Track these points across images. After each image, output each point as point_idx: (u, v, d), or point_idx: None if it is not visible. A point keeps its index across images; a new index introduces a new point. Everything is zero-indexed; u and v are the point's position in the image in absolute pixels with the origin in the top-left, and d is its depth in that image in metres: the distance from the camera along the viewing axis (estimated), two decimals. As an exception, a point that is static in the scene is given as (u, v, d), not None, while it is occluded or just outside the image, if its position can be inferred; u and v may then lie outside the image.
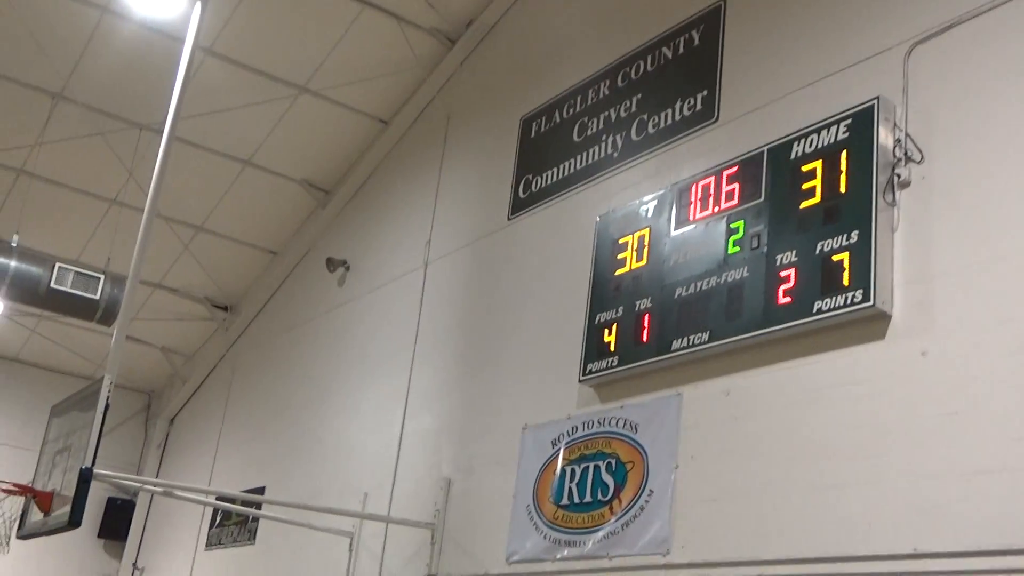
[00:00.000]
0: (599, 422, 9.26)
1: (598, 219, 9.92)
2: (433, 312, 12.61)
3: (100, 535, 18.87)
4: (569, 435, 9.52)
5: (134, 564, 18.76)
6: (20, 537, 11.71)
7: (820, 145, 7.75)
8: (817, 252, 7.46)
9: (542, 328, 10.57)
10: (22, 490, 11.36)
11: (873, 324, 7.12)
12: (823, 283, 7.34)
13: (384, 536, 11.89)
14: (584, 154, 10.84)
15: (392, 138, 14.85)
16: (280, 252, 17.01)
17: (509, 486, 10.06)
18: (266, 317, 17.23)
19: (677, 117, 9.77)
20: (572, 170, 10.95)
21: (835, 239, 7.35)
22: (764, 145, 8.29)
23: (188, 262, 16.83)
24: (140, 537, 18.89)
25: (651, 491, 8.43)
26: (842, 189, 7.48)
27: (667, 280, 8.81)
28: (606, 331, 9.29)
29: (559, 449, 9.58)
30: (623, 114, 10.50)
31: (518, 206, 11.65)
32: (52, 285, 13.77)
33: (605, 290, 9.51)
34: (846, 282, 7.16)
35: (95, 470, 9.85)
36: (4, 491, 11.74)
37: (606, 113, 10.74)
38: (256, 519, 14.85)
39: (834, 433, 7.19)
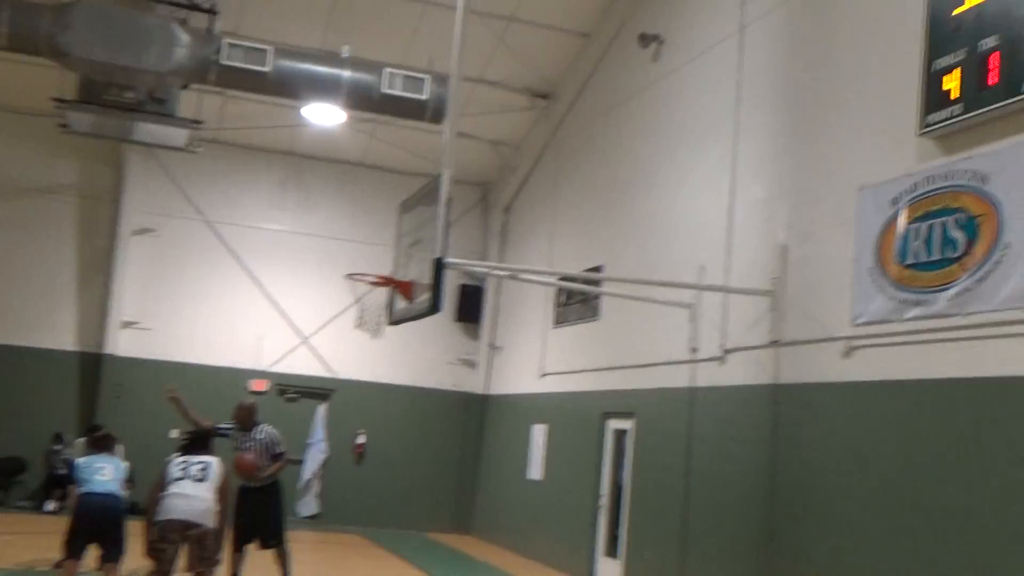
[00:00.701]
0: (943, 176, 8.77)
1: (932, -45, 9.08)
2: (753, 77, 12.21)
3: (457, 319, 20.41)
4: (910, 192, 9.10)
5: (490, 344, 20.24)
6: (390, 324, 12.90)
7: None
8: None
9: (872, 82, 9.99)
10: (386, 282, 12.42)
11: None
12: None
13: (723, 306, 12.07)
14: None
15: None
16: (592, 33, 16.94)
17: (848, 249, 9.84)
18: (585, 101, 17.39)
19: None
20: (898, -96, 10.01)
21: None
22: None
23: (504, 54, 17.15)
24: (493, 319, 20.28)
25: (1008, 244, 7.97)
26: None
27: (1018, 12, 8.00)
28: (946, 78, 8.66)
29: (900, 208, 9.20)
30: None
31: (839, -48, 10.85)
32: (383, 90, 14.50)
33: (943, 32, 8.80)
34: None
35: (446, 259, 10.62)
36: (371, 284, 12.87)
37: None
38: (597, 296, 15.50)
39: None
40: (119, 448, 9.97)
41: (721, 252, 12.27)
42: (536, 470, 17.21)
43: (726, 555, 11.45)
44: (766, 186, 11.63)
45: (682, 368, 12.87)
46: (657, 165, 14.39)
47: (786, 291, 10.94)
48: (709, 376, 12.30)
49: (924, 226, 8.89)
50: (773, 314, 11.02)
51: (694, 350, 12.63)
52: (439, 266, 10.59)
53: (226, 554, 9.91)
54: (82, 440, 11.78)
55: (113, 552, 8.45)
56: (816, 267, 10.52)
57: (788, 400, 10.70)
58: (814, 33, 11.16)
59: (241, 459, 10.45)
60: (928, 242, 8.83)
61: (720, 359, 12.05)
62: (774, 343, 10.97)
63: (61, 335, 18.89)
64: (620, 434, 14.76)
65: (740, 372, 11.67)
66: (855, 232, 9.77)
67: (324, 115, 17.20)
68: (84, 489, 8.50)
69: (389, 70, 14.48)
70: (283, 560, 11.20)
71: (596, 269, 15.55)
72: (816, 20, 11.16)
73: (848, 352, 9.74)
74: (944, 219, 8.68)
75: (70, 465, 9.11)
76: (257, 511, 11.04)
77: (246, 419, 11.22)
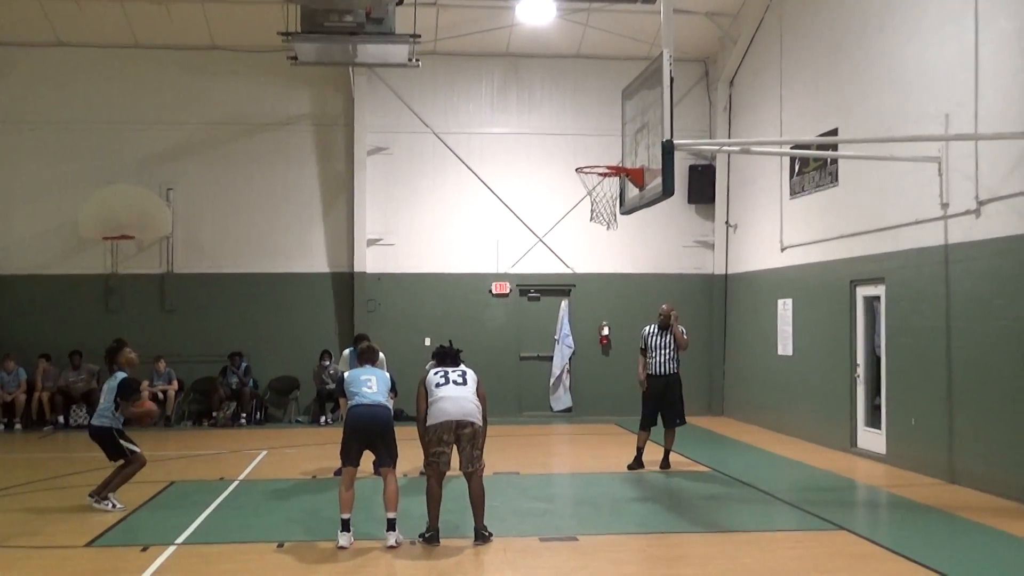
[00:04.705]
0: None
1: None
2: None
3: (690, 201, 20.09)
4: None
5: (726, 222, 19.86)
6: (623, 213, 12.85)
7: None
8: None
9: None
10: (616, 171, 12.36)
11: None
12: None
13: (975, 155, 11.33)
14: None
15: None
16: None
17: (1116, 75, 8.98)
18: (803, -44, 16.50)
19: None
20: None
21: None
22: None
23: (713, -81, 16.45)
24: (726, 197, 19.85)
25: None
26: None
27: None
28: None
29: None
30: None
31: None
32: (592, -24, 14.30)
33: None
34: None
35: (674, 141, 10.43)
36: (600, 175, 12.81)
37: None
38: (835, 161, 14.86)
39: None
40: (381, 358, 10.48)
41: (968, 97, 11.47)
42: (786, 346, 16.90)
43: (999, 417, 10.93)
44: (1014, 18, 10.72)
45: (933, 226, 12.23)
46: (889, 12, 13.52)
47: (1046, 131, 10.14)
48: (964, 231, 11.63)
49: None
50: (1033, 157, 10.26)
51: (945, 205, 11.96)
52: (667, 148, 10.44)
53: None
54: (347, 352, 12.48)
55: (386, 458, 8.94)
56: (1079, 100, 9.67)
57: (1057, 247, 9.99)
58: None
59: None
60: None
61: (975, 212, 11.38)
62: (1036, 188, 10.24)
63: (314, 258, 19.94)
64: (871, 301, 14.25)
65: (998, 223, 10.97)
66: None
67: (537, 12, 17.13)
68: (354, 402, 8.99)
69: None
70: (672, 438, 13.32)
71: (831, 133, 14.88)
72: None
73: (1123, 188, 8.97)
74: None
75: (339, 380, 9.67)
76: (663, 397, 13.15)
77: (666, 322, 13.14)
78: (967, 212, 11.50)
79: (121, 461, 10.53)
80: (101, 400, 10.64)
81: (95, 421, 10.61)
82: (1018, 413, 10.60)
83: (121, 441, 10.52)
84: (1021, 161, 10.43)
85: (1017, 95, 10.58)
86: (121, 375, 10.56)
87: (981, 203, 11.25)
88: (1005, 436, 10.84)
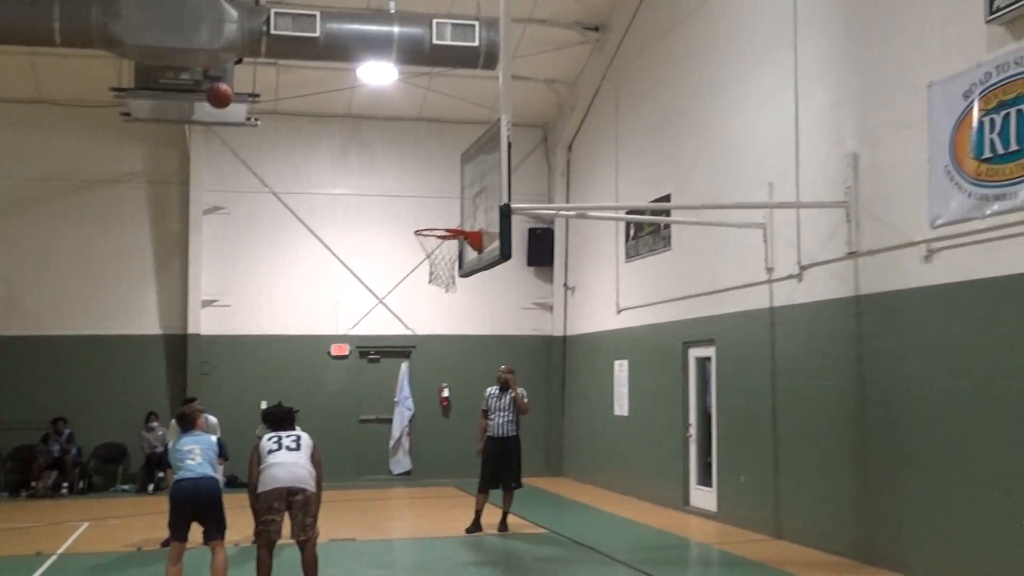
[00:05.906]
0: (1016, 63, 8.43)
1: None
2: (809, -18, 11.87)
3: (529, 263, 20.33)
4: (982, 83, 8.78)
5: (564, 284, 20.19)
6: (462, 276, 12.89)
7: None
8: None
9: (934, -27, 9.62)
10: (455, 233, 12.39)
11: None
12: None
13: (796, 222, 11.85)
14: None
15: None
16: (637, -41, 16.57)
17: (921, 149, 9.58)
18: (638, 28, 17.07)
19: None
20: None
21: None
22: None
23: (551, -10, 16.88)
24: (565, 260, 20.19)
25: (1088, 125, 7.65)
26: None
27: None
28: (1012, -44, 8.29)
29: (973, 100, 8.88)
30: None
31: None
32: (434, 41, 14.39)
33: (1002, -88, 8.41)
34: None
35: (512, 204, 10.56)
36: (439, 238, 12.83)
37: None
38: (668, 226, 15.31)
39: None
40: (212, 422, 10.13)
41: (790, 167, 12.02)
42: (622, 406, 17.19)
43: (821, 473, 11.34)
44: (830, 94, 11.34)
45: (760, 289, 12.69)
46: (717, 86, 14.10)
47: (859, 200, 10.70)
48: (787, 295, 12.12)
49: (999, 116, 8.60)
50: (848, 225, 10.80)
51: (770, 270, 12.45)
52: (505, 212, 10.53)
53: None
54: (174, 421, 12.05)
55: (214, 530, 8.64)
56: (889, 172, 10.26)
57: (871, 311, 10.50)
58: (866, -70, 10.78)
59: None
60: (1004, 133, 8.54)
61: (797, 276, 11.86)
62: (852, 254, 10.77)
63: (145, 320, 19.25)
64: (703, 362, 14.65)
65: (819, 287, 11.48)
66: (927, 131, 9.51)
67: (378, 74, 17.16)
68: (178, 475, 8.66)
69: (437, 20, 14.36)
70: (510, 501, 13.23)
71: (664, 199, 15.36)
72: (867, -84, 10.77)
73: (929, 256, 9.52)
74: (1020, 107, 8.37)
75: (167, 447, 9.30)
76: (502, 459, 13.12)
77: (506, 383, 13.18)
78: (790, 276, 12.00)
79: None
80: None
81: None
82: (835, 469, 11.02)
83: None
84: (838, 228, 10.96)
85: (833, 166, 11.15)
86: None
87: (803, 268, 11.75)
88: (824, 491, 11.24)
